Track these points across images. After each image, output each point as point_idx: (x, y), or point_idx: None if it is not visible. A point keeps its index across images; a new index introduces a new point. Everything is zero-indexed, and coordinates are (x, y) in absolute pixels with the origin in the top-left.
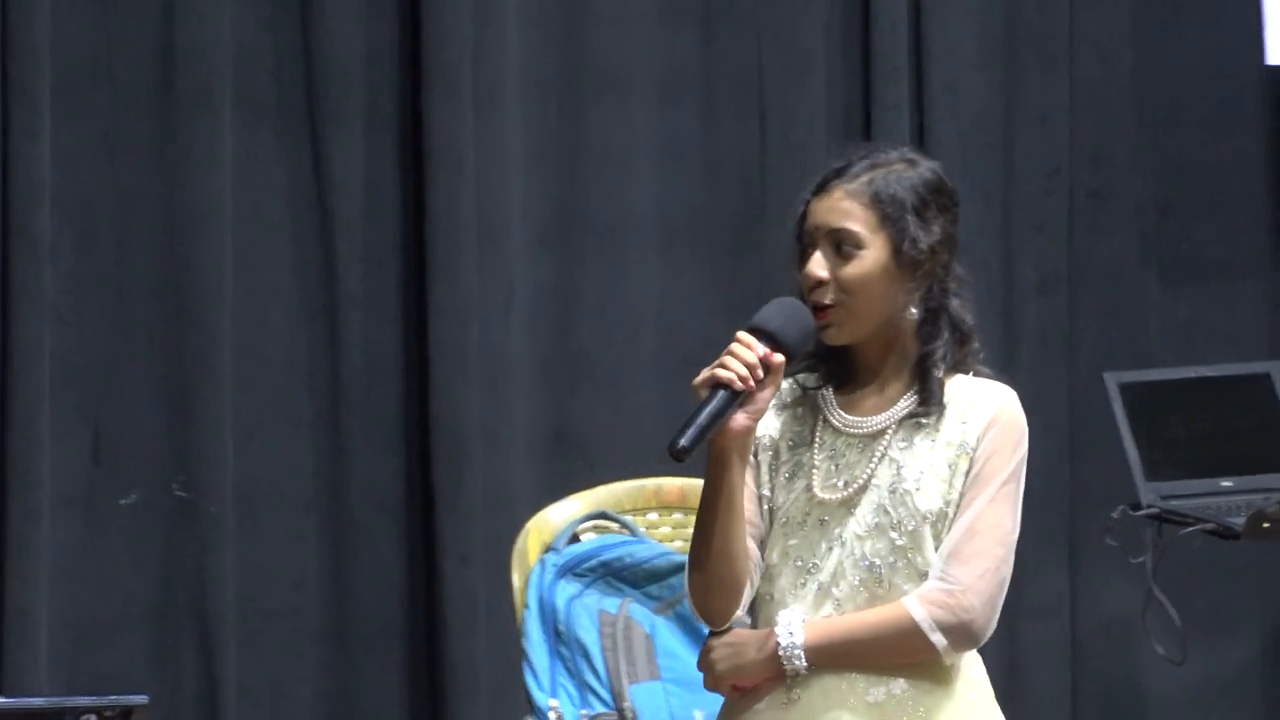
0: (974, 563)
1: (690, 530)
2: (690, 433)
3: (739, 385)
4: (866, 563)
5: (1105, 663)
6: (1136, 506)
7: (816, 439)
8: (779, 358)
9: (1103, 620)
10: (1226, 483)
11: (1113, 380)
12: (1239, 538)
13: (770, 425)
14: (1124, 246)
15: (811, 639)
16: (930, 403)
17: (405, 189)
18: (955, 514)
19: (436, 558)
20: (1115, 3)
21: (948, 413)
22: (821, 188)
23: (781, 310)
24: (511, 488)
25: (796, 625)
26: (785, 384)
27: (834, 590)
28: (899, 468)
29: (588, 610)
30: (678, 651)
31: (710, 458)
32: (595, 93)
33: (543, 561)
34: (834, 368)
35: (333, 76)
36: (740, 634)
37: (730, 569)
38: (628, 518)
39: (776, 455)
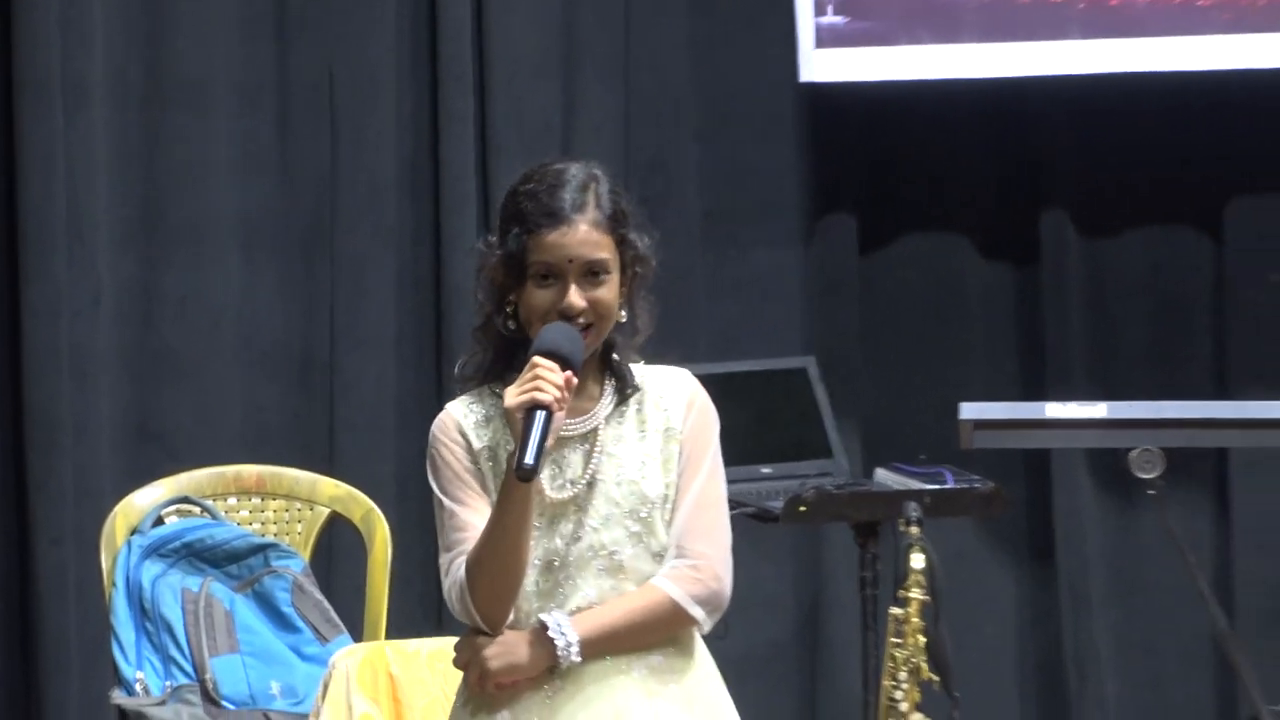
0: (709, 536)
1: (268, 514)
2: (533, 452)
3: (556, 407)
4: (607, 551)
5: None
6: None
7: None
8: (573, 378)
9: None
10: (766, 469)
11: None
12: (778, 520)
13: (485, 436)
14: (676, 251)
15: (583, 634)
16: (627, 391)
17: None
18: (677, 495)
19: (30, 539)
20: (669, 16)
21: (647, 401)
22: (555, 220)
23: (564, 334)
24: (99, 474)
25: (566, 624)
26: (487, 396)
27: (578, 581)
28: (619, 460)
29: (171, 588)
30: (255, 626)
31: (519, 477)
32: (177, 99)
33: (129, 543)
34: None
35: None
36: (507, 635)
37: (519, 579)
38: (209, 502)
39: (496, 464)
